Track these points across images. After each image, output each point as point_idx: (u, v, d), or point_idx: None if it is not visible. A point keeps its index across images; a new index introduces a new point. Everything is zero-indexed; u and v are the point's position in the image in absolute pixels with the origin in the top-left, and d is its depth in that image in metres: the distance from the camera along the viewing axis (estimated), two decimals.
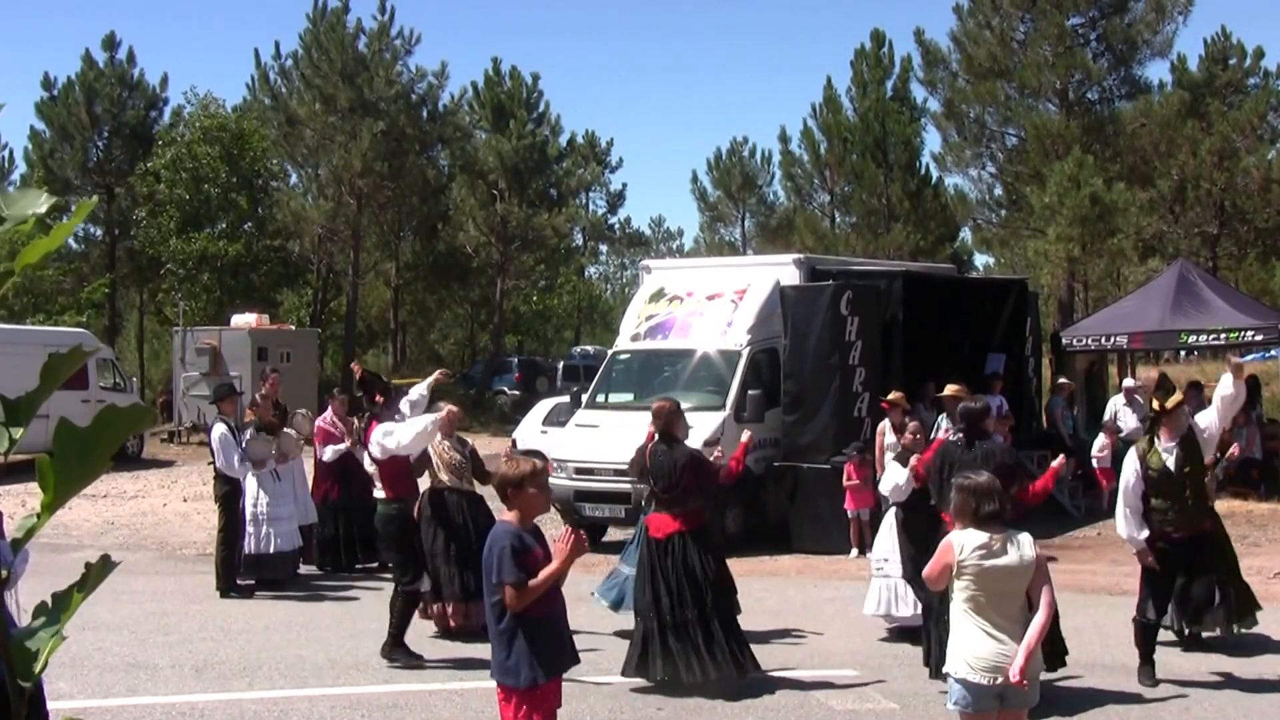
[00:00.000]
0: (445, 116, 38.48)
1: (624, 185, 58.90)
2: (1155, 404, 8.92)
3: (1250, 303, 20.35)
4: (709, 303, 15.48)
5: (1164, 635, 9.43)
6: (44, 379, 1.36)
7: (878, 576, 9.86)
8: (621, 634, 9.56)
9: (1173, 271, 19.40)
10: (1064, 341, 19.15)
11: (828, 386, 14.44)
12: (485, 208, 38.40)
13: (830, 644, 9.74)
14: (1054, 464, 8.40)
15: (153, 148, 36.23)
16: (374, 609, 11.00)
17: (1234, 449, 11.99)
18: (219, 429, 11.73)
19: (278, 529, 12.12)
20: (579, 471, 14.20)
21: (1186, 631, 9.19)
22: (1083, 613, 10.44)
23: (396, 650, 9.03)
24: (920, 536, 8.68)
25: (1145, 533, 8.57)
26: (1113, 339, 18.37)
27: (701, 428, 12.81)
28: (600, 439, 14.43)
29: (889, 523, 9.95)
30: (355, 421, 12.83)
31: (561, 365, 37.64)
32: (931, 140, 68.21)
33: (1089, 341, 18.70)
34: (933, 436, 11.37)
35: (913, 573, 9.48)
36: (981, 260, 45.77)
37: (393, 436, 9.09)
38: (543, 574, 5.19)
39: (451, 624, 9.78)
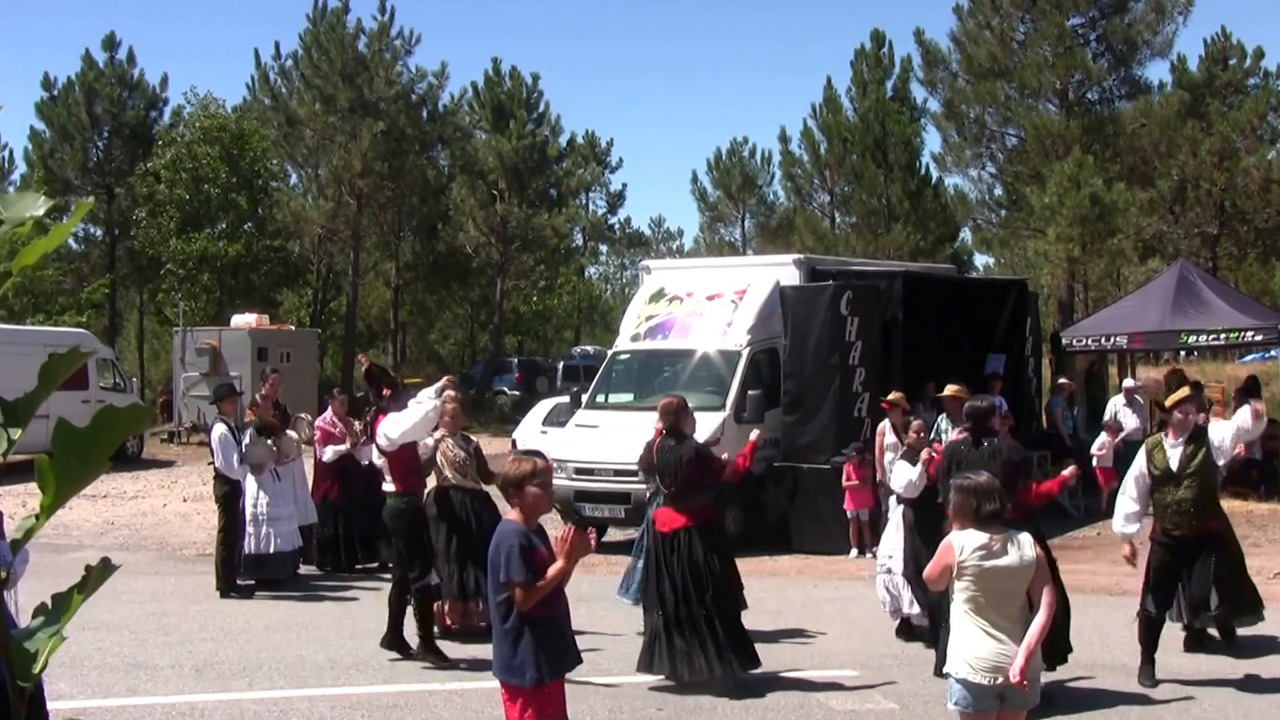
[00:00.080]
0: (445, 116, 38.48)
1: (624, 185, 58.99)
2: (1165, 401, 8.94)
3: (1250, 303, 20.36)
4: (709, 303, 15.48)
5: (1166, 635, 9.45)
6: (42, 379, 1.36)
7: (882, 574, 9.86)
8: (621, 634, 9.57)
9: (1173, 272, 19.41)
10: (1064, 342, 19.16)
11: (828, 387, 14.44)
12: (485, 208, 38.40)
13: (830, 644, 9.74)
14: (1065, 472, 8.41)
15: (153, 148, 36.24)
16: (374, 609, 11.00)
17: (1238, 450, 11.99)
18: (219, 429, 11.73)
19: (278, 529, 12.11)
20: (579, 471, 14.20)
21: (1190, 625, 9.19)
22: (1083, 613, 10.39)
23: (429, 654, 9.00)
24: (931, 536, 8.69)
25: (1134, 527, 8.62)
26: (1113, 339, 18.38)
27: (701, 428, 12.78)
28: (600, 439, 14.43)
29: (896, 521, 9.96)
30: (356, 422, 12.84)
31: (561, 365, 37.64)
32: (931, 140, 68.25)
33: (1089, 342, 18.71)
34: (932, 437, 11.38)
35: (914, 572, 9.50)
36: (981, 260, 45.84)
37: (397, 424, 9.05)
38: (551, 572, 5.20)
39: (449, 623, 9.78)
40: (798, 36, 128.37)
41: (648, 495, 9.80)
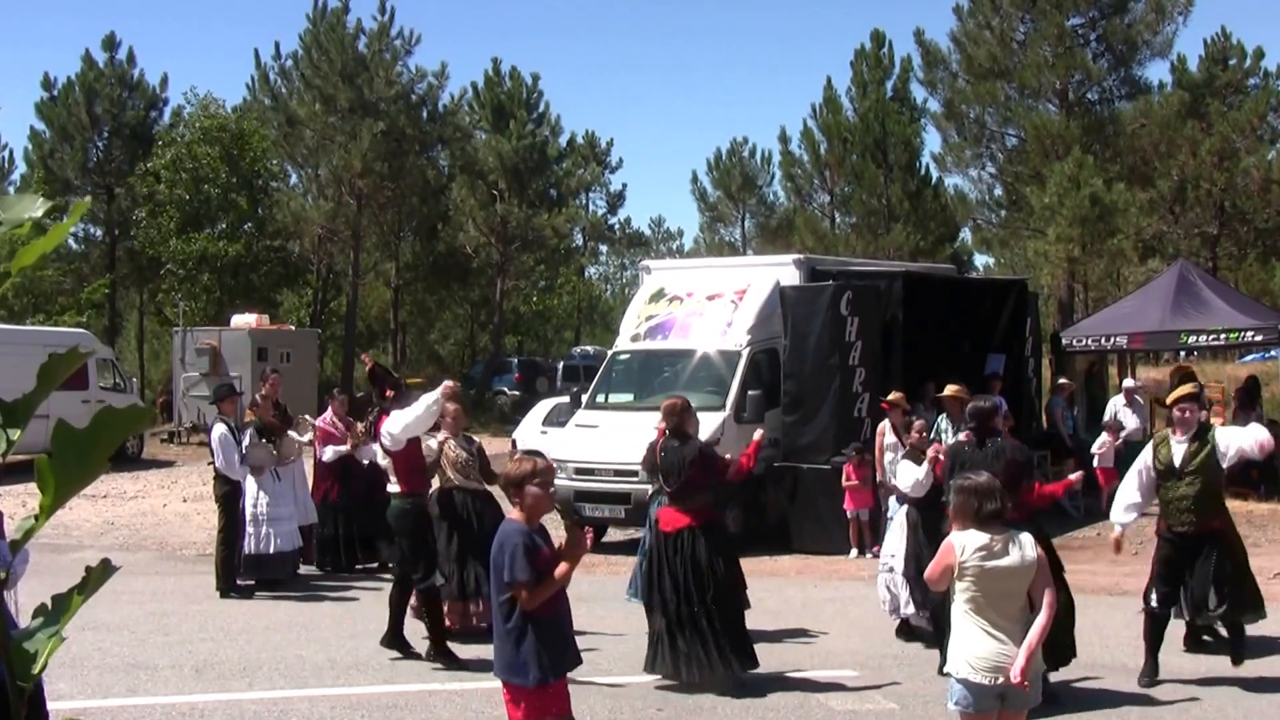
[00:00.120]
0: (445, 117, 38.48)
1: (624, 185, 59.01)
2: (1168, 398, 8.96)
3: (1250, 303, 20.37)
4: (709, 303, 15.48)
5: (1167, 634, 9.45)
6: (41, 380, 1.36)
7: (884, 573, 9.87)
8: (621, 634, 9.58)
9: (1173, 272, 19.41)
10: (1064, 342, 19.16)
11: (828, 387, 14.44)
12: (485, 208, 38.40)
13: (830, 644, 9.74)
14: (1071, 476, 8.41)
15: (153, 148, 36.24)
16: (374, 609, 11.00)
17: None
18: (219, 429, 11.73)
19: (277, 529, 12.11)
20: (579, 472, 14.21)
21: (1192, 622, 9.19)
22: (1083, 613, 10.37)
23: (441, 657, 8.98)
24: (935, 536, 8.70)
25: (1130, 517, 8.69)
26: (1113, 339, 18.38)
27: (702, 428, 12.80)
28: (600, 439, 14.44)
29: (899, 521, 9.96)
30: (358, 424, 12.84)
31: (561, 365, 37.64)
32: (931, 140, 68.30)
33: (1089, 342, 18.71)
34: (932, 436, 11.38)
35: (915, 572, 9.50)
36: (981, 261, 45.84)
37: (400, 419, 9.03)
38: (558, 571, 5.21)
39: (449, 623, 9.77)
40: (798, 36, 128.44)
41: (649, 495, 9.81)
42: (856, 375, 14.52)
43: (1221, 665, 8.69)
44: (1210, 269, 31.38)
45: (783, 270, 15.59)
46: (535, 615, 5.22)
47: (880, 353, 14.79)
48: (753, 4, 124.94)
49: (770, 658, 8.79)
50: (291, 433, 12.62)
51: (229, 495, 11.76)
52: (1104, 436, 14.48)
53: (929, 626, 9.57)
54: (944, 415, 12.90)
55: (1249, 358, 36.04)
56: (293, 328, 33.02)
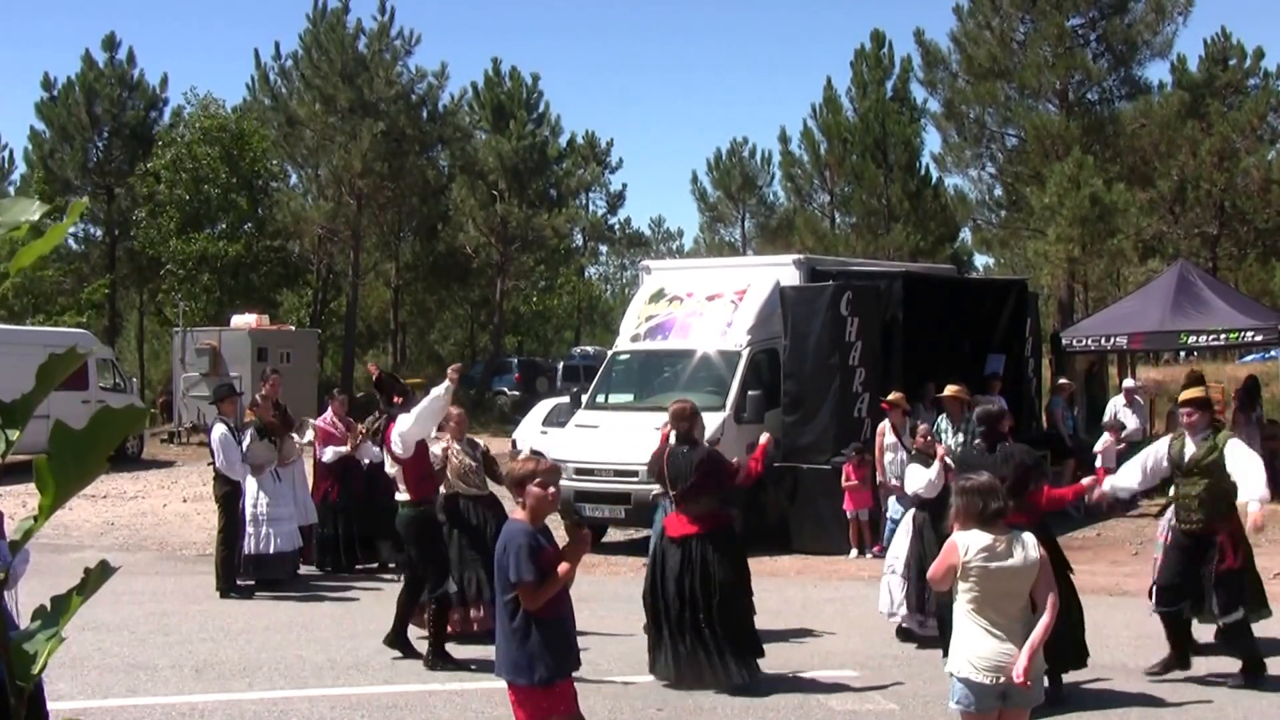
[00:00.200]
0: (445, 117, 38.48)
1: (624, 186, 59.04)
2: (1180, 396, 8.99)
3: (1250, 303, 20.38)
4: (709, 303, 15.49)
5: (1163, 638, 9.44)
6: (40, 380, 1.37)
7: (887, 574, 9.87)
8: (621, 634, 9.57)
9: (1173, 272, 19.42)
10: (1064, 342, 19.17)
11: (828, 387, 14.44)
12: (485, 208, 38.40)
13: (830, 644, 9.75)
14: (1085, 481, 8.41)
15: (153, 148, 36.23)
16: (374, 609, 11.00)
17: None
18: (219, 429, 11.73)
19: (277, 529, 12.11)
20: (579, 472, 14.20)
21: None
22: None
23: (438, 659, 8.95)
24: (943, 539, 8.70)
25: (1123, 485, 8.78)
26: (1113, 339, 18.39)
27: None
28: (600, 439, 14.44)
29: (906, 525, 9.97)
30: (356, 423, 12.85)
31: (561, 366, 37.64)
32: (931, 141, 68.26)
33: (1089, 342, 18.72)
34: (931, 438, 11.38)
35: (916, 575, 9.51)
36: (981, 261, 45.83)
37: (407, 421, 8.97)
38: (560, 570, 5.22)
39: (451, 628, 9.76)
40: (798, 36, 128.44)
41: (651, 497, 9.80)
42: (856, 375, 14.52)
43: (1221, 665, 8.69)
44: (1210, 269, 31.38)
45: (783, 270, 15.59)
46: (539, 615, 5.22)
47: (880, 353, 14.80)
48: (753, 4, 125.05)
49: (770, 658, 8.79)
50: (294, 434, 12.63)
51: (229, 495, 11.75)
52: (1106, 436, 14.48)
53: (920, 630, 9.58)
54: (944, 415, 12.91)
55: (1249, 358, 36.05)
56: (293, 328, 33.02)
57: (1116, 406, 17.30)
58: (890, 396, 13.56)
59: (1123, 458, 13.14)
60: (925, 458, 9.87)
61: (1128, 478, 8.81)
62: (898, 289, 15.32)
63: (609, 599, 11.02)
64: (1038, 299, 21.43)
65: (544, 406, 19.14)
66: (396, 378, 10.43)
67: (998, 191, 35.47)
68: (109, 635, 9.74)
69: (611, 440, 14.21)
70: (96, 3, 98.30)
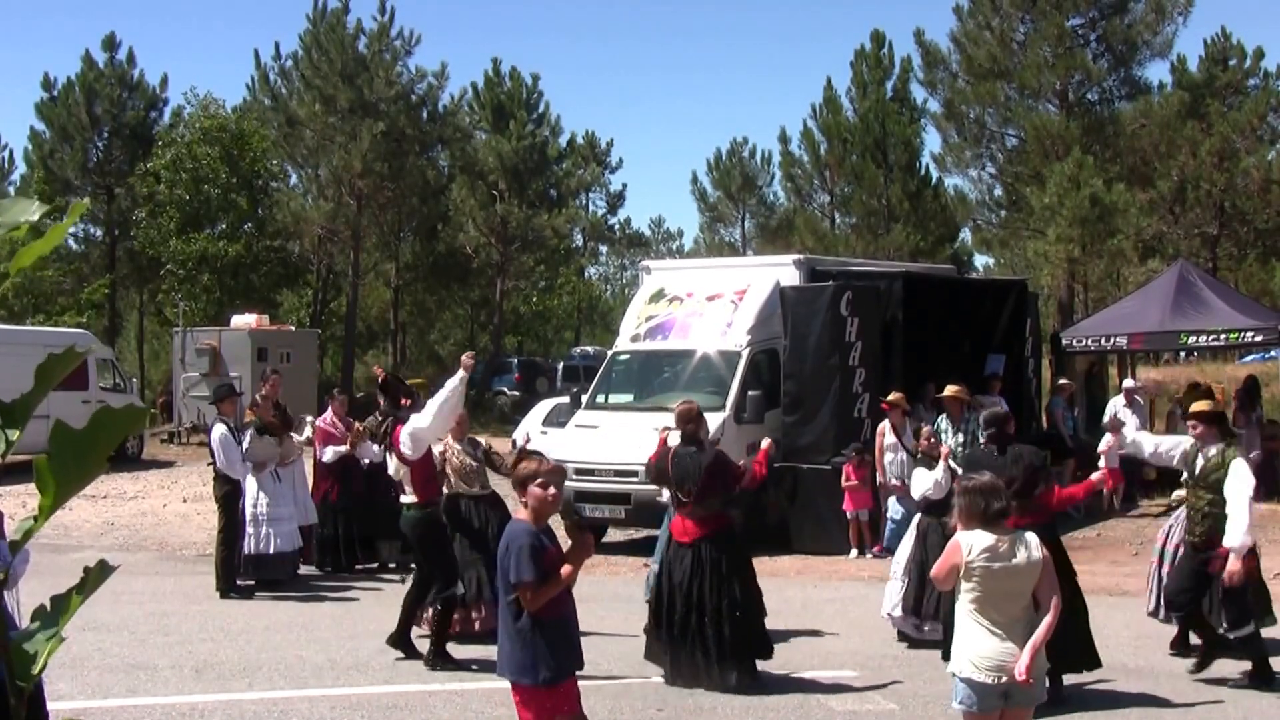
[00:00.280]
0: (445, 117, 38.49)
1: (624, 186, 59.03)
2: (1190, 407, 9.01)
3: (1250, 303, 20.37)
4: (709, 303, 15.49)
5: (1162, 634, 9.44)
6: (39, 380, 1.37)
7: (896, 579, 9.86)
8: (621, 634, 9.57)
9: (1172, 272, 19.41)
10: (1064, 342, 19.16)
11: (828, 387, 14.45)
12: (485, 208, 38.41)
13: (830, 644, 9.74)
14: (1094, 477, 8.42)
15: (153, 148, 36.24)
16: (374, 609, 11.01)
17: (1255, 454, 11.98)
18: (219, 430, 11.73)
19: (277, 529, 12.11)
20: (579, 472, 14.19)
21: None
22: None
23: (439, 659, 8.93)
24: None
25: (1138, 444, 9.04)
26: (1113, 340, 18.38)
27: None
28: (600, 440, 14.43)
29: (913, 528, 9.97)
30: (356, 423, 12.84)
31: (561, 366, 37.64)
32: (931, 141, 68.22)
33: (1089, 342, 18.71)
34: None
35: (917, 578, 9.51)
36: (981, 261, 45.83)
37: (424, 419, 8.91)
38: (563, 572, 5.23)
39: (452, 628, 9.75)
40: (798, 36, 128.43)
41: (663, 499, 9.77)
42: (856, 376, 14.52)
43: (1222, 665, 8.69)
44: (1210, 269, 31.38)
45: (783, 270, 15.59)
46: (542, 615, 5.22)
47: (880, 353, 14.80)
48: (753, 4, 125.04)
49: (771, 658, 8.79)
50: (294, 434, 12.63)
51: (229, 495, 11.75)
52: (1108, 436, 14.48)
53: (915, 634, 9.59)
54: (944, 415, 12.92)
55: (1249, 358, 36.03)
56: (293, 328, 33.02)
57: (1116, 406, 17.26)
58: (890, 397, 13.56)
59: (1125, 458, 13.16)
60: (929, 460, 9.88)
61: (1143, 441, 9.00)
62: (898, 289, 15.32)
63: (609, 599, 11.02)
64: (1038, 299, 21.43)
65: (544, 406, 19.14)
66: (401, 380, 10.38)
67: (998, 191, 35.49)
68: (109, 635, 9.74)
69: (611, 440, 14.20)
70: (96, 3, 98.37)
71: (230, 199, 34.68)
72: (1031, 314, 18.35)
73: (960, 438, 12.43)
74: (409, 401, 9.68)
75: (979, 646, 5.38)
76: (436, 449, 9.47)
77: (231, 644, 9.68)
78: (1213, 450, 8.41)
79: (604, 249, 59.95)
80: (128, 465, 22.97)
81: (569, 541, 5.44)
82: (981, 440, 10.15)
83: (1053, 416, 17.71)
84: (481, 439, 10.44)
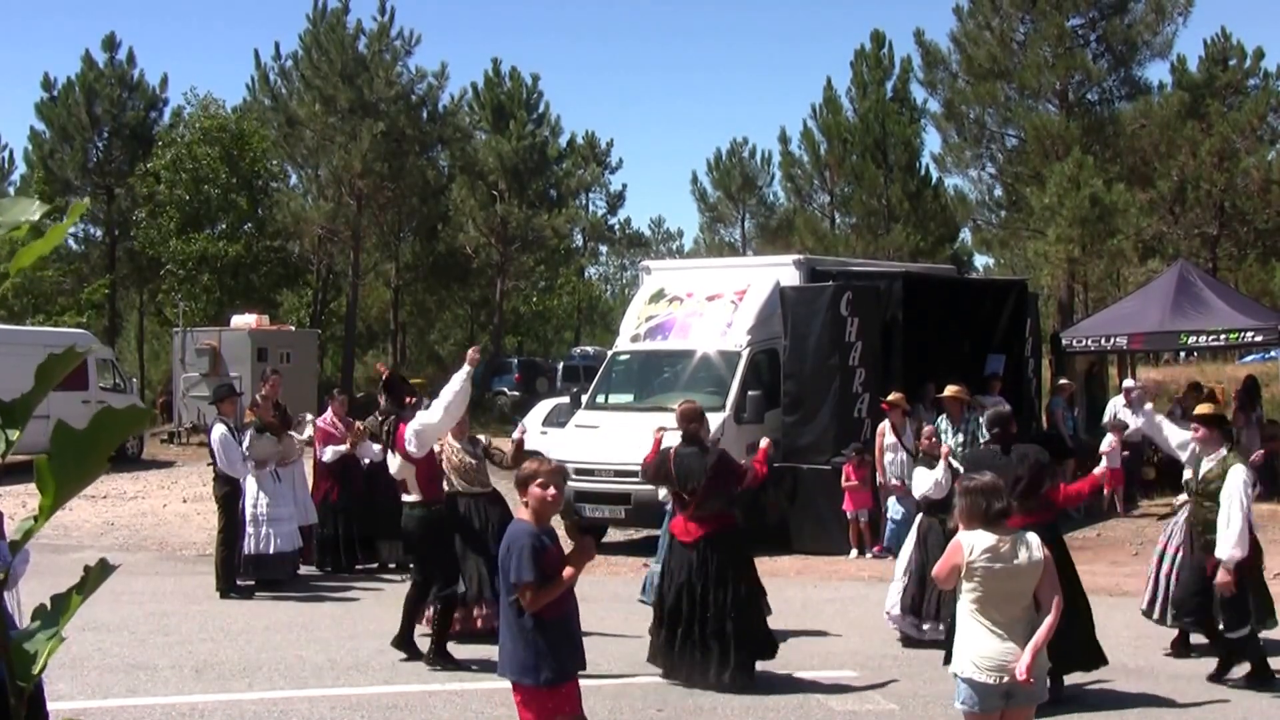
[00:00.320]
0: (445, 117, 38.48)
1: (624, 186, 59.06)
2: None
3: (1250, 304, 20.38)
4: (709, 303, 15.49)
5: (1162, 635, 9.45)
6: (39, 380, 1.37)
7: (898, 579, 9.86)
8: (621, 634, 9.57)
9: (1172, 272, 19.41)
10: (1064, 342, 19.16)
11: (828, 387, 14.45)
12: (485, 208, 38.40)
13: (830, 644, 9.74)
14: (1096, 472, 8.42)
15: (153, 148, 36.24)
16: (374, 610, 11.01)
17: (1259, 454, 11.98)
18: (219, 430, 11.72)
19: (277, 529, 12.11)
20: (579, 472, 14.19)
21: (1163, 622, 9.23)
22: None
23: (439, 658, 8.91)
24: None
25: (1144, 421, 9.26)
26: (1113, 340, 18.38)
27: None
28: (600, 440, 14.43)
29: (915, 528, 9.97)
30: (356, 423, 12.84)
31: (561, 366, 37.63)
32: (931, 141, 68.20)
33: (1089, 342, 18.71)
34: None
35: (917, 578, 9.52)
36: (981, 261, 45.81)
37: (434, 415, 8.89)
38: (565, 574, 5.23)
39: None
40: (798, 36, 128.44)
41: (661, 498, 9.77)
42: (856, 376, 14.52)
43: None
44: (1210, 269, 31.37)
45: (783, 271, 15.59)
46: (544, 616, 5.22)
47: (880, 353, 14.80)
48: (753, 4, 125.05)
49: (774, 657, 8.79)
50: (293, 432, 12.63)
51: (229, 496, 11.75)
52: (1110, 437, 14.46)
53: (915, 634, 9.59)
54: (944, 416, 12.92)
55: (1249, 358, 36.04)
56: (293, 328, 33.02)
57: (1116, 406, 17.25)
58: (890, 397, 13.57)
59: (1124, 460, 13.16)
60: (930, 459, 9.88)
61: (1150, 421, 9.14)
62: (898, 289, 15.33)
63: (609, 599, 11.01)
64: (1038, 299, 21.43)
65: (544, 407, 19.14)
66: (405, 379, 10.36)
67: (998, 192, 35.47)
68: (109, 635, 9.74)
69: (611, 441, 14.20)
70: (96, 3, 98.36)
71: (230, 199, 34.68)
72: (1031, 314, 18.35)
73: (960, 438, 12.44)
74: (413, 400, 9.67)
75: (980, 647, 5.39)
76: (434, 448, 9.46)
77: (231, 644, 9.68)
78: (1214, 457, 8.40)
79: (604, 249, 59.99)
80: (128, 465, 22.96)
81: (571, 542, 5.45)
82: (983, 440, 10.15)
83: (1053, 416, 17.72)
84: (481, 437, 10.44)
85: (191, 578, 12.76)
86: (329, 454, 13.01)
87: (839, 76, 58.50)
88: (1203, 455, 8.49)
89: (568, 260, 49.38)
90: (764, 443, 9.21)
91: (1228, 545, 8.09)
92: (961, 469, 8.51)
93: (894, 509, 13.45)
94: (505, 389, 37.32)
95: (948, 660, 7.69)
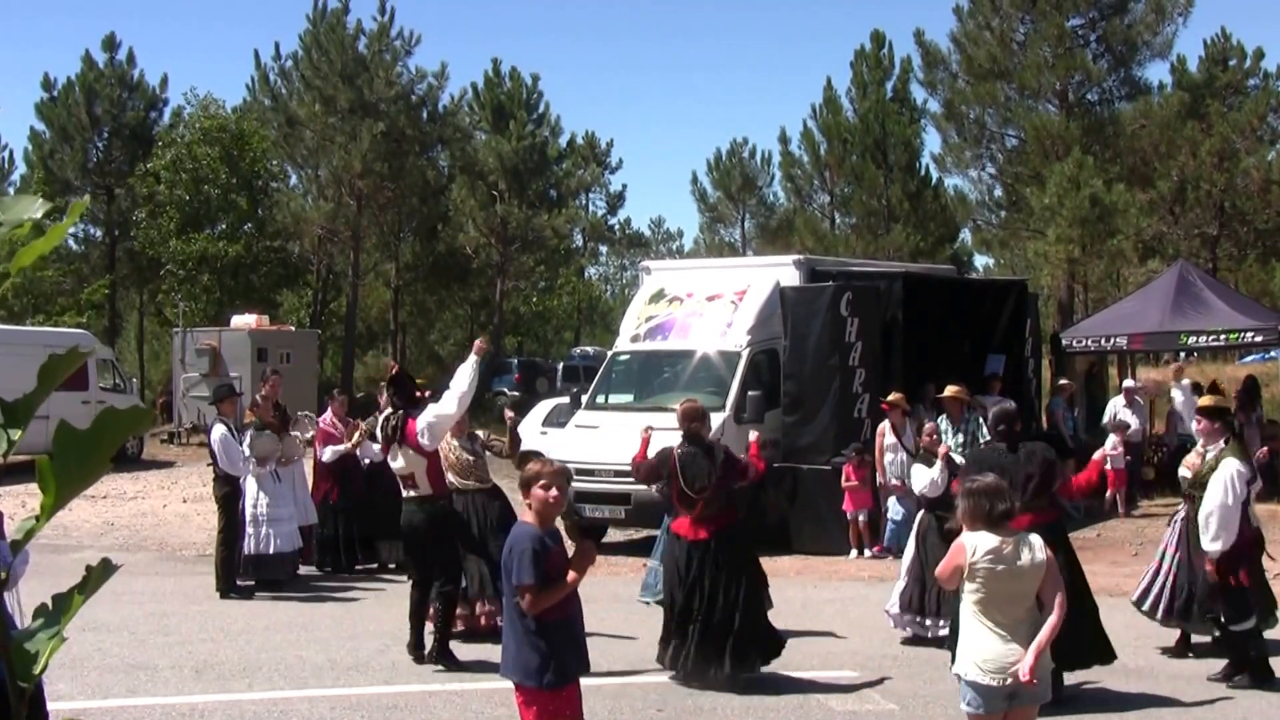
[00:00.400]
0: (445, 117, 38.47)
1: (624, 186, 59.11)
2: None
3: (1250, 304, 20.38)
4: (709, 304, 15.49)
5: (1163, 634, 9.45)
6: (42, 380, 1.36)
7: (900, 578, 9.86)
8: (621, 634, 9.58)
9: (1172, 272, 19.41)
10: (1064, 342, 19.16)
11: (828, 387, 14.45)
12: (485, 209, 38.39)
13: (830, 644, 9.74)
14: (1095, 456, 8.42)
15: (153, 148, 36.24)
16: (374, 610, 11.01)
17: (1263, 452, 12.00)
18: (219, 430, 11.72)
19: (277, 530, 12.10)
20: (579, 473, 14.17)
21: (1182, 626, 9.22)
22: None
23: (443, 658, 8.88)
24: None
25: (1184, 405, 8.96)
26: (1113, 340, 18.38)
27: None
28: (600, 440, 14.43)
29: (916, 526, 9.97)
30: (356, 422, 12.84)
31: (561, 366, 37.64)
32: (931, 141, 68.14)
33: (1089, 342, 18.71)
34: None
35: (916, 577, 9.51)
36: (981, 261, 45.80)
37: (442, 408, 8.88)
38: (569, 579, 5.24)
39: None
40: (798, 36, 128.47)
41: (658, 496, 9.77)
42: (856, 376, 14.52)
43: (1221, 666, 8.69)
44: (1210, 269, 31.36)
45: (782, 271, 15.59)
46: (546, 618, 5.22)
47: (880, 353, 14.80)
48: (753, 4, 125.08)
49: (779, 656, 8.78)
50: (294, 432, 12.62)
51: (229, 496, 11.76)
52: (1113, 438, 14.45)
53: (917, 631, 9.59)
54: (944, 416, 12.91)
55: (1249, 358, 36.05)
56: (293, 328, 33.02)
57: (1116, 407, 17.29)
58: (890, 397, 13.57)
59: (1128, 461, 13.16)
60: (930, 456, 9.87)
61: (1188, 398, 9.05)
62: (898, 289, 15.33)
63: (609, 599, 11.01)
64: (1038, 299, 21.43)
65: (544, 407, 19.13)
66: (411, 377, 10.32)
67: (998, 192, 35.46)
68: (109, 635, 9.74)
69: (611, 441, 14.18)
70: (96, 3, 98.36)
71: (230, 199, 34.68)
72: (1031, 314, 18.36)
73: (960, 438, 12.43)
74: (424, 394, 9.66)
75: (983, 649, 5.38)
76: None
77: (231, 644, 9.68)
78: (1214, 449, 8.41)
79: (604, 249, 60.00)
80: (128, 465, 22.96)
81: (572, 543, 5.44)
82: (982, 440, 10.14)
83: (1053, 417, 17.72)
84: (480, 433, 10.45)
85: (191, 578, 12.76)
86: (329, 454, 13.01)
87: (839, 76, 58.50)
88: (1207, 448, 8.49)
89: (568, 260, 49.37)
90: (752, 436, 9.25)
91: (1207, 537, 8.13)
92: (963, 464, 8.51)
93: (894, 509, 13.45)
94: (505, 389, 37.33)
95: (955, 660, 7.71)
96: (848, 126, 38.48)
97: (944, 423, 12.87)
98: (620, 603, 10.88)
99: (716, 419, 13.90)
